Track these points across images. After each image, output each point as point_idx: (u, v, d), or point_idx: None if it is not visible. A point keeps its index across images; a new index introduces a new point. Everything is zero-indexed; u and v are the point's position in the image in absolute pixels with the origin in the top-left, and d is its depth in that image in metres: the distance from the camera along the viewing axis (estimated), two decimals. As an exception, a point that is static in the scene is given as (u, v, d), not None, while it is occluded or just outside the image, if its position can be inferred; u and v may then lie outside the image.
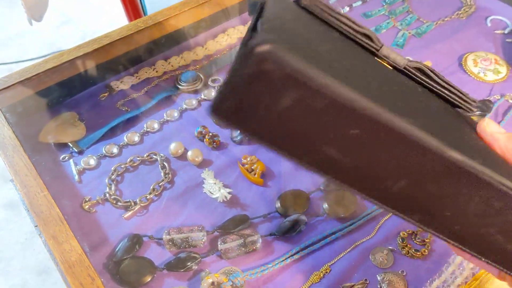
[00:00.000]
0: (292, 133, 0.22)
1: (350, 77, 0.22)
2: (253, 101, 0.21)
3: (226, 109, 0.21)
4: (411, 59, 0.32)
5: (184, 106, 0.72)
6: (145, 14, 2.03)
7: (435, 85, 0.32)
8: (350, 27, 0.28)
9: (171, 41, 0.79)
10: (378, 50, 0.29)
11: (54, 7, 2.45)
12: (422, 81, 0.32)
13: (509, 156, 0.31)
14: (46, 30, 2.26)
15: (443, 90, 0.33)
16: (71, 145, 0.67)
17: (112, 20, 2.29)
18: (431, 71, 0.31)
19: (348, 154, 0.23)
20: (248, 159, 0.65)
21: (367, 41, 0.28)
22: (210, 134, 0.67)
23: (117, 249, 0.57)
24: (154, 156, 0.66)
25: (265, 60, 0.19)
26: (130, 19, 1.70)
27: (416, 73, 0.31)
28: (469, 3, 0.86)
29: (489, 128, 0.32)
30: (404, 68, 0.30)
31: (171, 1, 0.79)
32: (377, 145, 0.22)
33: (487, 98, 0.71)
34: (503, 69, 0.75)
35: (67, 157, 0.66)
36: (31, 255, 1.47)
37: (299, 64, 0.19)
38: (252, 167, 0.64)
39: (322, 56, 0.22)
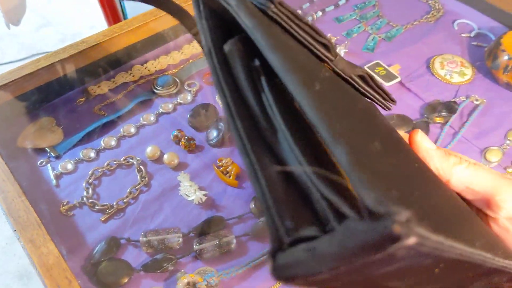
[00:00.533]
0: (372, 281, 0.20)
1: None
2: (353, 270, 0.17)
3: (301, 276, 0.18)
4: (360, 68, 0.32)
5: (161, 110, 0.74)
6: (125, 17, 2.03)
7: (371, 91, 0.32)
8: (310, 35, 0.28)
9: (147, 46, 0.81)
10: (332, 61, 0.30)
11: (33, 9, 2.44)
12: (362, 89, 0.32)
13: (443, 175, 0.31)
14: (25, 32, 2.25)
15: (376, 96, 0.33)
16: (48, 150, 0.68)
17: (91, 23, 2.28)
18: (370, 78, 0.31)
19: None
20: (223, 161, 0.67)
21: (323, 51, 0.29)
22: (186, 137, 0.69)
23: (94, 252, 0.58)
24: (131, 160, 0.67)
25: (404, 248, 0.15)
26: (109, 23, 1.70)
27: (358, 81, 0.31)
28: (437, 7, 0.89)
29: (424, 144, 0.32)
30: (350, 77, 0.30)
31: (150, 6, 0.80)
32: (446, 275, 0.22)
33: (453, 100, 0.74)
34: (469, 71, 0.78)
35: (44, 162, 0.67)
36: (11, 260, 1.47)
37: (439, 243, 0.16)
38: (227, 169, 0.66)
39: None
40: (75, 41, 0.73)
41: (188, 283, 0.55)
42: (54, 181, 0.65)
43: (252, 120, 0.22)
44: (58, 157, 0.68)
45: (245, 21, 0.22)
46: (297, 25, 0.25)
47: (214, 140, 0.69)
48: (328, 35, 0.84)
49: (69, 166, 0.67)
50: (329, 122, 0.18)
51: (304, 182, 0.20)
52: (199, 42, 0.34)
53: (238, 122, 0.22)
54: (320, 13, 0.88)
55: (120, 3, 1.91)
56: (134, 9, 1.97)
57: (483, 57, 0.79)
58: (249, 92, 0.22)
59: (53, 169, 0.67)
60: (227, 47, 0.23)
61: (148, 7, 0.80)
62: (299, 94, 0.19)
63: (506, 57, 0.73)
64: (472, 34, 0.84)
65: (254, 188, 0.20)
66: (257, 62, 0.23)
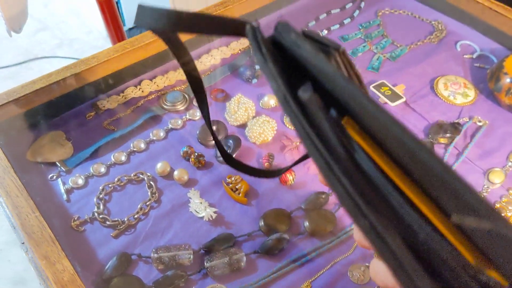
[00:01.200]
0: None
1: None
2: None
3: None
4: None
5: (170, 126, 0.75)
6: (122, 20, 2.03)
7: None
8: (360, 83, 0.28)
9: (156, 61, 0.82)
10: None
11: (30, 13, 2.43)
12: None
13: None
14: (22, 37, 2.24)
15: None
16: (59, 164, 0.69)
17: (89, 28, 2.28)
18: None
19: None
20: (233, 178, 0.68)
21: None
22: (196, 154, 0.70)
23: (106, 268, 0.59)
24: (141, 176, 0.68)
25: None
26: (109, 27, 1.71)
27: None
28: (440, 28, 0.91)
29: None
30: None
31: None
32: None
33: (456, 121, 0.75)
34: (471, 93, 0.80)
35: (55, 176, 0.68)
36: (6, 266, 1.46)
37: None
38: (237, 187, 0.67)
39: None
40: (72, 46, 0.74)
41: (200, 301, 0.56)
42: (65, 196, 0.66)
43: (359, 177, 0.23)
44: (68, 172, 0.69)
45: (325, 67, 0.22)
46: (353, 73, 0.26)
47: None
48: (334, 53, 0.85)
49: (80, 181, 0.67)
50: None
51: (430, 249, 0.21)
52: (186, 72, 0.35)
53: (344, 179, 0.22)
54: (325, 32, 0.90)
55: (118, 9, 1.92)
56: (132, 15, 1.98)
57: (485, 78, 0.81)
58: (339, 147, 0.23)
59: (64, 183, 0.67)
60: (305, 95, 0.23)
61: None
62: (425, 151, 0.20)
63: (508, 80, 0.75)
64: (475, 56, 0.86)
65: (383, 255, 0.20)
66: (333, 112, 0.23)
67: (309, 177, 0.69)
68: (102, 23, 1.76)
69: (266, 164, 0.69)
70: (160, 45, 0.79)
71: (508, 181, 0.69)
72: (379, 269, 0.27)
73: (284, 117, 0.76)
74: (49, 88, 0.71)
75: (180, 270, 0.59)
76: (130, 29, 2.05)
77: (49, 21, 2.38)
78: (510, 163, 0.71)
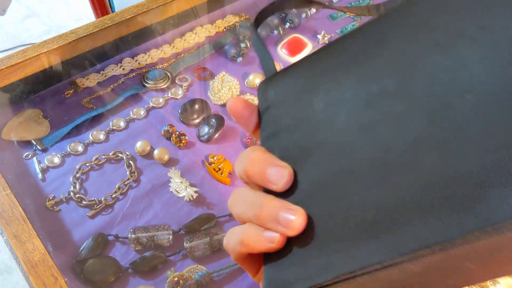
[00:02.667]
0: None
1: None
2: None
3: None
4: None
5: (151, 104, 0.72)
6: (112, 8, 2.00)
7: None
8: None
9: (138, 39, 0.79)
10: None
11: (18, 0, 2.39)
12: None
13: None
14: (9, 23, 2.20)
15: None
16: (34, 143, 0.66)
17: (78, 15, 2.25)
18: None
19: None
20: (215, 158, 0.66)
21: None
22: (177, 132, 0.67)
23: (81, 249, 0.56)
24: (120, 155, 0.66)
25: None
26: (97, 14, 1.67)
27: None
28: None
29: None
30: None
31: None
32: None
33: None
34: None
35: (30, 155, 0.65)
36: (-9, 254, 1.43)
37: None
38: (219, 166, 0.65)
39: None
40: (61, 33, 0.71)
41: (178, 282, 0.53)
42: (40, 175, 0.63)
43: None
44: (44, 150, 0.66)
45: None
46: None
47: (206, 136, 0.68)
48: (322, 32, 0.83)
49: (56, 160, 0.65)
50: None
51: None
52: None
53: None
54: (314, 10, 0.88)
55: (108, -5, 1.88)
56: (122, 3, 1.95)
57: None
58: None
59: (39, 162, 0.65)
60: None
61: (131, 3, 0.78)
62: None
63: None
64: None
65: None
66: None
67: (294, 157, 0.67)
68: (91, 11, 1.73)
69: (249, 142, 0.67)
70: (141, 21, 0.77)
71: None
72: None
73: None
74: (25, 63, 0.68)
75: (158, 251, 0.57)
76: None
77: (38, 7, 2.34)
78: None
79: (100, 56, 0.76)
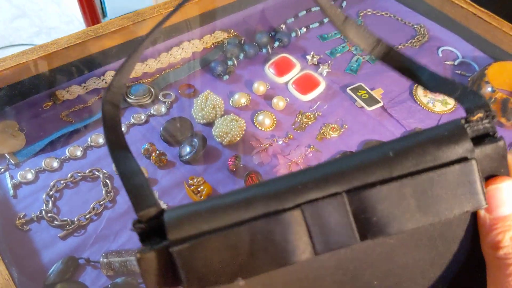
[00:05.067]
0: None
1: None
2: None
3: None
4: None
5: (132, 121, 0.70)
6: (104, 13, 1.98)
7: None
8: None
9: (123, 52, 0.77)
10: None
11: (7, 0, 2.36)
12: None
13: None
14: (-1, 23, 2.17)
15: None
16: (8, 157, 0.64)
17: (69, 18, 2.22)
18: None
19: None
20: (195, 180, 0.63)
21: None
22: (157, 152, 0.65)
23: (50, 272, 0.54)
24: (97, 173, 0.64)
25: None
26: (87, 19, 1.65)
27: None
28: (422, 32, 0.88)
29: None
30: None
31: (131, 2, 0.77)
32: None
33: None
34: (451, 101, 0.77)
35: (2, 169, 0.63)
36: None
37: None
38: (199, 189, 0.63)
39: None
40: (51, 35, 0.69)
41: (149, 312, 0.51)
42: (11, 191, 0.61)
43: None
44: (17, 165, 0.64)
45: None
46: None
47: (187, 157, 0.66)
48: (312, 53, 0.82)
49: (29, 176, 0.62)
50: None
51: None
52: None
53: None
54: (304, 30, 0.86)
55: (100, 0, 1.86)
56: (114, 8, 1.93)
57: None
58: None
59: (12, 177, 0.62)
60: None
61: (130, 9, 0.77)
62: None
63: (489, 89, 0.72)
64: (456, 62, 0.83)
65: None
66: None
67: (277, 182, 0.65)
68: (81, 14, 1.71)
69: (231, 166, 0.65)
70: (126, 35, 0.75)
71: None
72: None
73: (255, 117, 0.72)
74: (2, 74, 0.65)
75: (131, 278, 0.55)
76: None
77: (28, 8, 2.30)
78: (487, 176, 0.68)
79: (82, 68, 0.74)
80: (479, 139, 0.24)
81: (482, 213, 0.24)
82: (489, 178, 0.24)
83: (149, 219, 0.25)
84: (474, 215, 0.25)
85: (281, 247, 0.23)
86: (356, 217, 0.23)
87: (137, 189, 0.25)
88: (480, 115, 0.24)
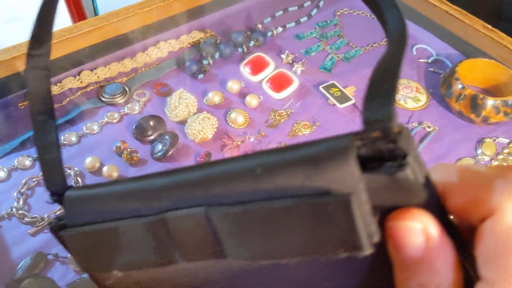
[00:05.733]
0: None
1: None
2: None
3: None
4: None
5: (106, 120, 0.71)
6: (96, 12, 1.99)
7: None
8: None
9: (98, 51, 0.78)
10: None
11: (2, 2, 2.37)
12: None
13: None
14: (-10, 26, 2.18)
15: None
16: (-19, 155, 0.65)
17: (61, 20, 2.23)
18: None
19: None
20: (165, 177, 0.64)
21: None
22: (129, 149, 0.66)
23: (18, 268, 0.55)
24: (68, 170, 0.64)
25: None
26: (74, 20, 1.66)
27: None
28: (398, 31, 0.89)
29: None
30: None
31: (123, 2, 0.79)
32: None
33: (405, 126, 0.73)
34: (423, 98, 0.77)
35: (-24, 168, 0.64)
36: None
37: None
38: (169, 186, 0.64)
39: None
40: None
41: (114, 306, 0.52)
42: (-17, 189, 0.62)
43: None
44: (-9, 164, 0.65)
45: None
46: None
47: (159, 154, 0.67)
48: (286, 52, 0.83)
49: (2, 174, 0.63)
50: None
51: None
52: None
53: None
54: (280, 29, 0.87)
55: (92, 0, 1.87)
56: (106, 7, 1.93)
57: (438, 84, 0.78)
58: None
59: (-16, 176, 0.63)
60: None
61: (122, 4, 0.78)
62: None
63: (459, 86, 0.73)
64: (430, 60, 0.84)
65: None
66: None
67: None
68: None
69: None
70: (102, 34, 0.76)
71: (452, 189, 0.67)
72: None
73: (228, 114, 0.73)
74: (-24, 74, 0.66)
75: (98, 272, 0.55)
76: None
77: (22, 11, 2.32)
78: (456, 171, 0.69)
79: (57, 68, 0.75)
80: (378, 162, 0.18)
81: (391, 251, 0.19)
82: (393, 210, 0.18)
83: (56, 195, 0.24)
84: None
85: (149, 250, 0.23)
86: (219, 237, 0.20)
87: (49, 164, 0.24)
88: (377, 134, 0.17)
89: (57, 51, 0.73)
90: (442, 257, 0.18)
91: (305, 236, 0.18)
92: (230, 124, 0.73)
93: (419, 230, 0.18)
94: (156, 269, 0.23)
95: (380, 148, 0.17)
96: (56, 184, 0.24)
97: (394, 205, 0.18)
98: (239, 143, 0.70)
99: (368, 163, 0.17)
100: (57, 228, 0.24)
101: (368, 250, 0.17)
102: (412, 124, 0.74)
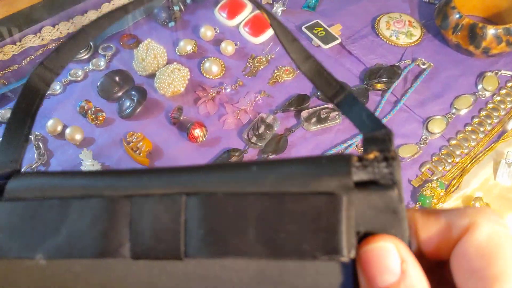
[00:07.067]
0: None
1: None
2: None
3: None
4: None
5: (69, 78, 0.65)
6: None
7: None
8: None
9: (60, 4, 0.71)
10: None
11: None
12: None
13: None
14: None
15: None
16: None
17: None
18: None
19: None
20: (134, 137, 0.59)
21: None
22: (93, 109, 0.61)
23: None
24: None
25: None
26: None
27: None
28: (389, -40, 0.80)
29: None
30: None
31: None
32: None
33: (396, 64, 0.66)
34: (417, 32, 0.70)
35: None
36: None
37: None
38: (138, 145, 0.59)
39: None
40: None
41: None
42: None
43: None
44: None
45: None
46: None
47: (127, 112, 0.62)
48: (265, -9, 0.75)
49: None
50: None
51: None
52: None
53: None
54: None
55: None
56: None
57: (433, 15, 0.71)
58: None
59: None
60: None
61: None
62: None
63: (456, 16, 0.65)
64: (424, -10, 0.76)
65: None
66: None
67: (224, 133, 0.61)
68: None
69: (173, 119, 0.60)
70: (58, -15, 0.69)
71: (450, 130, 0.61)
72: None
73: (201, 64, 0.67)
74: None
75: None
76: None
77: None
78: (454, 110, 0.62)
79: (17, 24, 0.69)
80: (370, 184, 0.18)
81: (361, 282, 0.18)
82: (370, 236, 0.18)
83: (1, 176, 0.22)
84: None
85: (95, 234, 0.19)
86: (188, 226, 0.19)
87: (7, 139, 0.23)
88: (375, 154, 0.18)
89: (15, 4, 0.66)
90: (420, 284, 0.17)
91: (287, 232, 0.18)
92: (204, 74, 0.66)
93: (395, 253, 0.17)
94: (87, 264, 0.20)
95: (376, 170, 0.18)
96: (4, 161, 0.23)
97: (377, 228, 0.18)
98: (214, 95, 0.64)
99: (360, 183, 0.18)
100: None
101: (345, 257, 0.17)
102: (405, 61, 0.67)
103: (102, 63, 0.67)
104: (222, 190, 0.19)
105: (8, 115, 0.59)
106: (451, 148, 0.59)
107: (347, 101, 0.23)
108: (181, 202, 0.19)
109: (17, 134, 0.24)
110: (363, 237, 0.18)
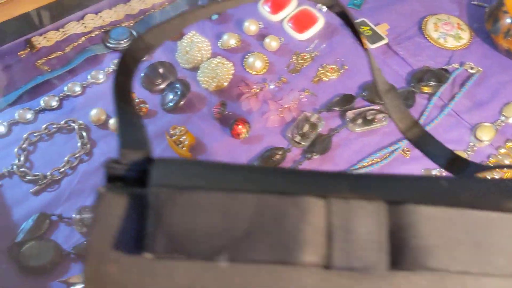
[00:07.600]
0: None
1: None
2: None
3: None
4: None
5: (112, 67, 0.65)
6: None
7: None
8: None
9: (102, -7, 0.71)
10: None
11: None
12: None
13: None
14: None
15: None
16: (-20, 109, 0.60)
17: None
18: None
19: None
20: (177, 130, 0.59)
21: None
22: (137, 100, 0.61)
23: (20, 230, 0.51)
24: (72, 124, 0.59)
25: None
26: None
27: None
28: (437, -41, 0.79)
29: None
30: None
31: None
32: None
33: (444, 67, 0.65)
34: (465, 35, 0.68)
35: (-26, 123, 0.59)
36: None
37: None
38: (181, 139, 0.58)
39: None
40: None
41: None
42: (-17, 146, 0.57)
43: None
44: (-10, 118, 0.60)
45: None
46: None
47: (169, 105, 0.61)
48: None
49: (2, 129, 0.59)
50: None
51: None
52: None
53: None
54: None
55: None
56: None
57: (483, 18, 0.69)
58: None
59: (-17, 131, 0.59)
60: None
61: None
62: None
63: (508, 20, 0.63)
64: (474, -8, 0.74)
65: None
66: None
67: (266, 131, 0.60)
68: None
69: (216, 113, 0.60)
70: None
71: (498, 138, 0.59)
72: None
73: (245, 59, 0.66)
74: (-32, 20, 0.61)
75: (106, 234, 0.51)
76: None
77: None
78: (503, 117, 0.61)
79: (60, 11, 0.69)
80: None
81: None
82: None
83: (131, 164, 0.21)
84: None
85: (287, 235, 0.18)
86: (393, 234, 0.17)
87: (128, 126, 0.23)
88: None
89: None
90: None
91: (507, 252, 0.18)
92: (248, 70, 0.66)
93: None
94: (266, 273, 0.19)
95: None
96: (134, 148, 0.22)
97: None
98: (257, 91, 0.63)
99: None
100: (135, 194, 0.20)
101: None
102: (453, 65, 0.65)
103: (145, 53, 0.66)
104: (419, 198, 0.18)
105: (53, 102, 0.59)
106: (500, 157, 0.58)
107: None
108: (383, 208, 0.18)
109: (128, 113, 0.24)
110: None
